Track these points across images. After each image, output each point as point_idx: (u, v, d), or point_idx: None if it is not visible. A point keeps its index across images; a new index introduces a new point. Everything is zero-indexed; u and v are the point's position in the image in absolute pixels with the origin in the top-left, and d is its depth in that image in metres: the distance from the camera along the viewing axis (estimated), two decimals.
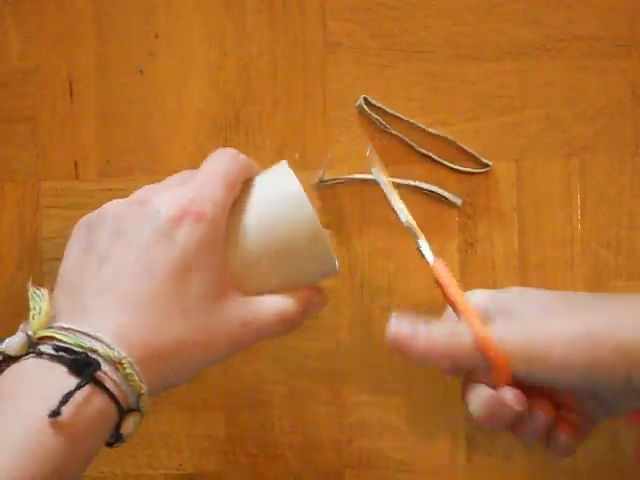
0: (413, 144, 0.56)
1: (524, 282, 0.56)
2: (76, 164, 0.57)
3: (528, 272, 0.56)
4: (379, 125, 0.56)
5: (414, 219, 0.50)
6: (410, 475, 0.57)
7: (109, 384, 0.40)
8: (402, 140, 0.56)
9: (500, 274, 0.56)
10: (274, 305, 0.47)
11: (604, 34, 0.56)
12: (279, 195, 0.48)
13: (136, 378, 0.40)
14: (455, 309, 0.46)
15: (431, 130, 0.56)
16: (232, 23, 0.57)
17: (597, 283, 0.56)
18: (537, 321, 0.43)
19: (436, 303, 0.56)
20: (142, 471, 0.57)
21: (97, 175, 0.57)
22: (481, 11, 0.56)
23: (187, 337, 0.43)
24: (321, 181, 0.56)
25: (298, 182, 0.47)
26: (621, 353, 0.40)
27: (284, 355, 0.57)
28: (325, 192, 0.57)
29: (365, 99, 0.56)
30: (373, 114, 0.56)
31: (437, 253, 0.49)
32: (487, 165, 0.56)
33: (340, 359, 0.57)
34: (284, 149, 0.57)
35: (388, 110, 0.56)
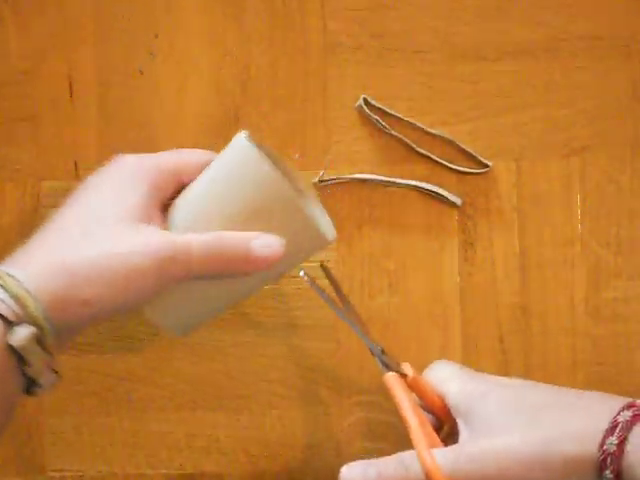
0: (413, 145, 0.56)
1: (524, 282, 0.56)
2: (76, 164, 0.57)
3: (528, 272, 0.56)
4: (379, 125, 0.56)
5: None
6: None
7: None
8: (402, 140, 0.56)
9: (500, 274, 0.56)
10: (200, 238, 0.45)
11: (604, 34, 0.56)
12: (230, 156, 0.47)
13: (22, 293, 0.40)
14: (407, 429, 0.46)
15: (431, 130, 0.56)
16: (232, 23, 0.57)
17: (597, 283, 0.56)
18: (487, 441, 0.43)
19: (436, 302, 0.56)
20: (142, 471, 0.57)
21: None
22: (481, 11, 0.56)
23: (87, 248, 0.43)
24: (321, 181, 0.56)
25: (249, 143, 0.45)
26: (571, 470, 0.41)
27: (284, 355, 0.57)
28: (325, 192, 0.57)
29: (365, 99, 0.56)
30: (373, 115, 0.56)
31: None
32: (487, 165, 0.56)
33: (340, 359, 0.57)
34: (284, 149, 0.57)
35: (388, 110, 0.56)
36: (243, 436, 0.57)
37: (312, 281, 0.49)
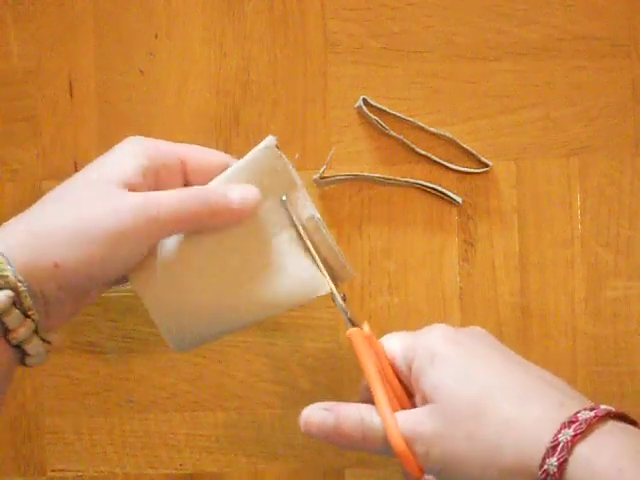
0: (413, 145, 0.56)
1: (524, 282, 0.56)
2: (76, 164, 0.57)
3: (528, 272, 0.56)
4: (378, 126, 0.56)
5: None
6: None
7: None
8: (402, 140, 0.56)
9: (500, 274, 0.56)
10: (170, 194, 0.45)
11: (604, 34, 0.56)
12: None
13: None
14: (370, 387, 0.45)
15: (431, 128, 0.56)
16: (232, 23, 0.57)
17: (597, 283, 0.56)
18: (445, 426, 0.43)
19: (436, 302, 0.56)
20: (142, 471, 0.57)
21: None
22: (481, 11, 0.56)
23: (59, 214, 0.43)
24: (321, 177, 0.56)
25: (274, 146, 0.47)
26: (513, 476, 0.41)
27: (284, 355, 0.57)
28: (325, 192, 0.57)
29: (364, 100, 0.56)
30: (372, 115, 0.56)
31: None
32: (487, 165, 0.56)
33: (340, 359, 0.57)
34: (284, 149, 0.57)
35: (387, 110, 0.56)
36: (243, 436, 0.57)
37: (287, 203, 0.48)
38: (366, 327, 0.48)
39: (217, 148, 0.57)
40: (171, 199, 0.44)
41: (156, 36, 0.57)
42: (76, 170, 0.57)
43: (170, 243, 0.46)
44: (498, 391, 0.43)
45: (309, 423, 0.45)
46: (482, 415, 0.42)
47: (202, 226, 0.46)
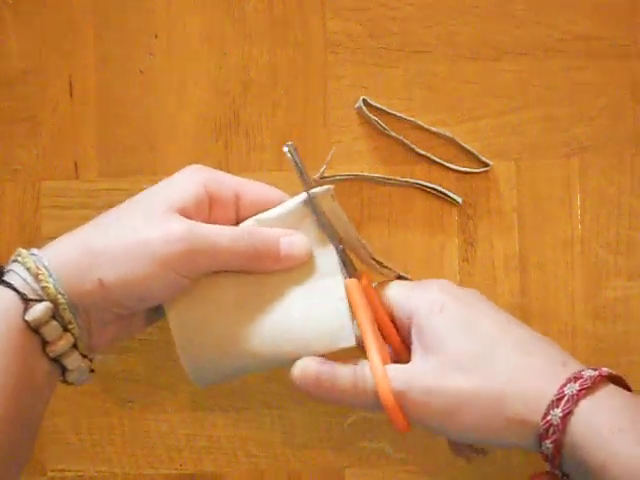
0: (412, 146, 0.56)
1: (524, 282, 0.56)
2: (76, 164, 0.57)
3: (528, 272, 0.56)
4: (378, 126, 0.56)
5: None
6: (410, 475, 0.57)
7: (14, 279, 0.42)
8: (401, 141, 0.56)
9: (500, 274, 0.56)
10: (223, 230, 0.45)
11: (604, 34, 0.56)
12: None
13: (39, 268, 0.42)
14: (363, 339, 0.46)
15: (431, 128, 0.56)
16: (232, 23, 0.57)
17: (597, 283, 0.56)
18: (442, 376, 0.43)
19: None
20: (142, 471, 0.57)
21: (97, 175, 0.57)
22: (481, 11, 0.56)
23: (113, 234, 0.44)
24: (321, 177, 0.56)
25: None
26: (514, 427, 0.42)
27: None
28: None
29: (364, 100, 0.56)
30: (372, 116, 0.56)
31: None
32: (487, 164, 0.56)
33: (340, 359, 0.56)
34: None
35: (387, 110, 0.56)
36: (243, 436, 0.57)
37: (294, 152, 0.48)
38: (364, 278, 0.48)
39: (217, 148, 0.57)
40: (222, 234, 0.44)
41: (156, 36, 0.57)
42: (76, 170, 0.57)
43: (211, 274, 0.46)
44: (503, 344, 0.44)
45: (305, 373, 0.45)
46: (487, 365, 0.43)
47: (249, 267, 0.46)
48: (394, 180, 0.56)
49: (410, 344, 0.46)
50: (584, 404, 0.40)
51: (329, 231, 0.48)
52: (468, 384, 0.43)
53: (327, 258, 0.48)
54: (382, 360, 0.45)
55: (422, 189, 0.56)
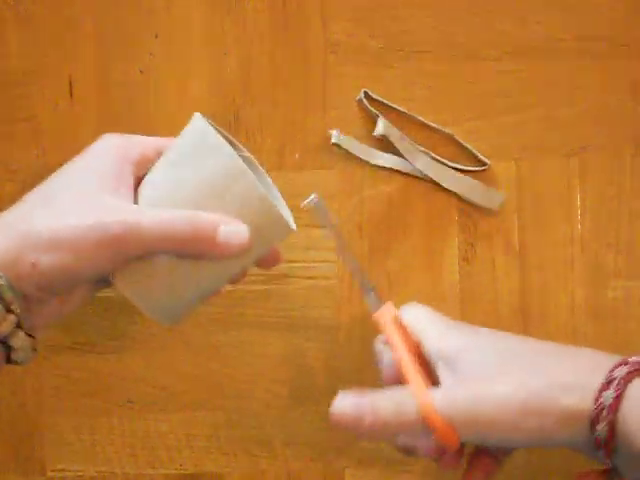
0: (412, 142, 0.56)
1: (524, 282, 0.56)
2: None
3: (528, 272, 0.56)
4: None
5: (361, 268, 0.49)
6: (410, 475, 0.57)
7: None
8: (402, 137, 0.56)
9: (500, 274, 0.56)
10: (154, 216, 0.44)
11: (604, 34, 0.56)
12: (186, 136, 0.46)
13: None
14: (399, 368, 0.45)
15: (431, 124, 0.56)
16: (232, 23, 0.57)
17: (597, 283, 0.56)
18: (485, 384, 0.43)
19: (436, 302, 0.56)
20: (142, 471, 0.57)
21: None
22: (481, 11, 0.56)
23: (43, 217, 0.43)
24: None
25: (205, 121, 0.45)
26: (565, 420, 0.41)
27: (284, 355, 0.57)
28: (325, 192, 0.57)
29: (365, 93, 0.56)
30: (373, 109, 0.56)
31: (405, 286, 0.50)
32: (485, 163, 0.56)
33: (340, 359, 0.57)
34: (284, 149, 0.57)
35: (388, 103, 0.56)
36: (243, 436, 0.57)
37: (320, 202, 0.47)
38: (392, 308, 0.48)
39: None
40: (156, 222, 0.44)
41: (156, 36, 0.57)
42: None
43: None
44: (541, 350, 0.44)
45: (344, 413, 0.44)
46: (528, 366, 0.43)
47: (183, 252, 0.45)
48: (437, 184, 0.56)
49: (435, 377, 0.45)
50: (635, 385, 0.40)
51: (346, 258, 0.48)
52: (513, 383, 0.42)
53: (231, 162, 0.45)
54: (422, 382, 0.44)
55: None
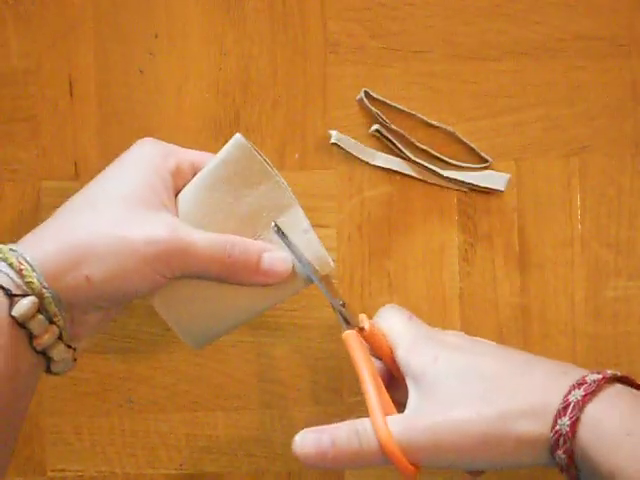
0: (413, 140, 0.56)
1: (524, 282, 0.56)
2: (76, 164, 0.57)
3: (528, 272, 0.56)
4: (379, 119, 0.56)
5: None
6: None
7: None
8: (402, 136, 0.56)
9: (500, 274, 0.56)
10: (207, 238, 0.45)
11: (604, 34, 0.56)
12: (229, 158, 0.47)
13: (22, 264, 0.42)
14: (363, 393, 0.45)
15: (431, 121, 0.56)
16: (232, 23, 0.57)
17: (597, 283, 0.56)
18: (444, 410, 0.42)
19: (436, 302, 0.56)
20: (142, 471, 0.57)
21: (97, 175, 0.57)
22: (481, 11, 0.56)
23: (95, 227, 0.44)
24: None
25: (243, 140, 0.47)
26: (525, 447, 0.41)
27: (284, 355, 0.57)
28: (325, 192, 0.57)
29: (366, 92, 0.56)
30: (373, 108, 0.56)
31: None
32: (486, 160, 0.56)
33: (340, 359, 0.57)
34: (284, 149, 0.57)
35: (389, 102, 0.56)
36: (243, 436, 0.57)
37: (280, 232, 0.48)
38: (366, 322, 0.48)
39: (217, 148, 0.57)
40: (205, 244, 0.45)
41: (156, 36, 0.57)
42: (76, 170, 0.57)
43: None
44: (500, 373, 0.43)
45: (305, 448, 0.45)
46: (487, 392, 0.42)
47: (226, 277, 0.46)
48: (441, 176, 0.56)
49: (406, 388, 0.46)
50: (590, 409, 0.39)
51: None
52: (469, 412, 0.42)
53: (279, 192, 0.48)
54: (382, 411, 0.44)
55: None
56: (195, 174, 0.48)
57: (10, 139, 0.57)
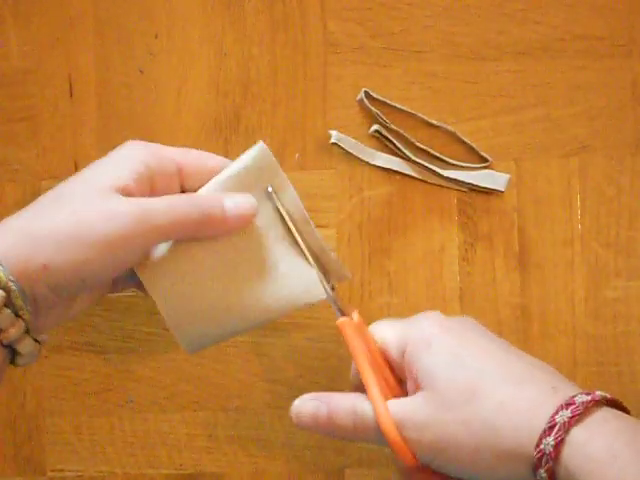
0: (413, 140, 0.56)
1: (524, 282, 0.56)
2: (76, 164, 0.57)
3: (528, 272, 0.56)
4: (379, 119, 0.56)
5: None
6: None
7: None
8: (402, 136, 0.56)
9: (500, 274, 0.56)
10: (161, 200, 0.45)
11: (604, 34, 0.56)
12: (252, 166, 0.48)
13: None
14: (360, 376, 0.46)
15: (432, 121, 0.56)
16: (232, 23, 0.57)
17: (597, 283, 0.56)
18: (439, 412, 0.43)
19: (436, 302, 0.56)
20: (142, 471, 0.57)
21: None
22: (481, 11, 0.56)
23: (55, 217, 0.43)
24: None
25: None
26: (508, 461, 0.41)
27: (284, 355, 0.57)
28: (325, 192, 0.57)
29: (366, 92, 0.56)
30: (373, 108, 0.56)
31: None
32: (486, 160, 0.56)
33: (340, 359, 0.57)
34: (284, 149, 0.57)
35: (389, 102, 0.56)
36: (243, 436, 0.57)
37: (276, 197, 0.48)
38: (356, 316, 0.48)
39: (217, 148, 0.57)
40: (164, 205, 0.44)
41: (156, 36, 0.57)
42: (76, 170, 0.57)
43: (180, 244, 0.47)
44: (491, 375, 0.43)
45: (301, 414, 0.46)
46: (476, 399, 0.42)
47: (198, 234, 0.46)
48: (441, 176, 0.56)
49: (405, 379, 0.46)
50: (576, 432, 0.39)
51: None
52: (457, 419, 0.42)
53: (270, 210, 0.48)
54: (383, 397, 0.44)
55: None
56: (179, 171, 0.47)
57: (10, 139, 0.58)
